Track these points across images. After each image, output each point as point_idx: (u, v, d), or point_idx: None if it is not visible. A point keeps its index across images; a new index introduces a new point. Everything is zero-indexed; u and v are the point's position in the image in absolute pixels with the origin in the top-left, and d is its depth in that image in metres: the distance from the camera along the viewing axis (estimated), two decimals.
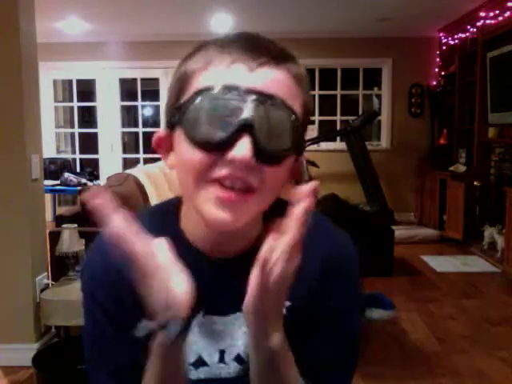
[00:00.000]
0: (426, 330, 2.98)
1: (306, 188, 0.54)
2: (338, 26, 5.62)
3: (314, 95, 6.07)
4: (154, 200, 2.88)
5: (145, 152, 6.47)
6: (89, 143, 6.61)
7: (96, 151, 6.51)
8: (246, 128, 0.56)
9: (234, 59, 0.59)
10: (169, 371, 0.61)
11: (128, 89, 6.65)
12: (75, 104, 6.57)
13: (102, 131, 6.44)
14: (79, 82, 6.45)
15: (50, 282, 2.58)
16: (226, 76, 0.58)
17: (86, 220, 2.68)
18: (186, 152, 0.59)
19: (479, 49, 4.80)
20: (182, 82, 0.62)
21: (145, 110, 7.05)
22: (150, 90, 6.55)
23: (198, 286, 0.56)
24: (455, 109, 5.44)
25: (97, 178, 5.77)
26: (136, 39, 6.00)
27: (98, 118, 6.48)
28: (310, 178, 3.71)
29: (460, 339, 2.85)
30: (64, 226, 2.47)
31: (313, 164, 4.55)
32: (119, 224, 0.53)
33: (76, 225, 2.49)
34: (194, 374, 0.71)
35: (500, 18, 4.45)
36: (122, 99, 6.54)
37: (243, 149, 0.56)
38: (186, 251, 0.59)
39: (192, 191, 0.61)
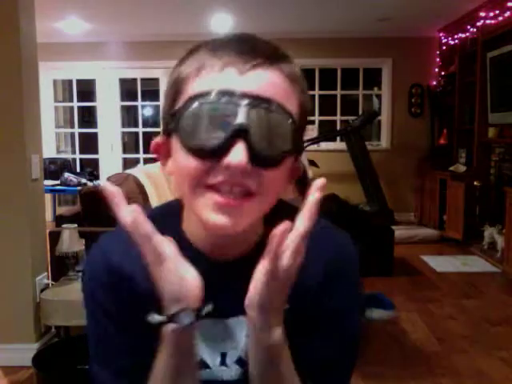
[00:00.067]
0: (426, 330, 2.98)
1: (318, 182, 0.55)
2: (338, 26, 5.62)
3: (314, 95, 6.07)
4: (154, 200, 2.87)
5: (145, 152, 6.48)
6: (89, 143, 6.61)
7: (96, 151, 6.52)
8: (240, 133, 0.56)
9: (225, 63, 0.58)
10: (181, 360, 0.61)
11: (128, 89, 6.65)
12: (75, 104, 6.57)
13: (102, 131, 6.44)
14: (79, 82, 6.45)
15: (50, 282, 2.58)
16: (218, 81, 0.58)
17: (86, 220, 2.69)
18: (182, 159, 0.59)
19: (479, 49, 4.80)
20: (175, 87, 0.62)
21: (145, 110, 7.04)
22: (150, 90, 6.55)
23: None
24: (455, 109, 5.44)
25: (97, 178, 5.76)
26: (136, 39, 6.00)
27: (98, 118, 6.48)
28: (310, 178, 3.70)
29: (460, 339, 2.85)
30: (64, 226, 2.47)
31: (313, 164, 4.55)
32: (134, 208, 0.55)
33: (76, 225, 2.50)
34: None
35: (500, 18, 4.45)
36: (122, 99, 6.54)
37: (238, 155, 0.55)
38: (187, 252, 0.59)
39: (190, 197, 0.61)
